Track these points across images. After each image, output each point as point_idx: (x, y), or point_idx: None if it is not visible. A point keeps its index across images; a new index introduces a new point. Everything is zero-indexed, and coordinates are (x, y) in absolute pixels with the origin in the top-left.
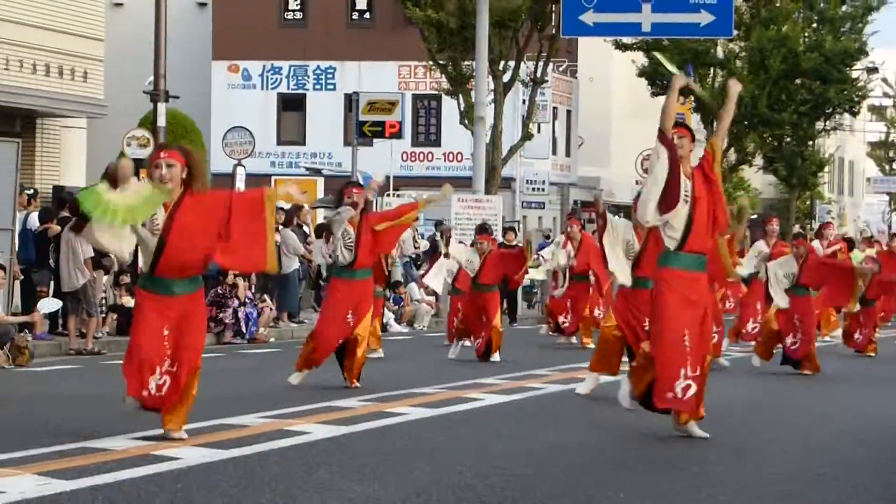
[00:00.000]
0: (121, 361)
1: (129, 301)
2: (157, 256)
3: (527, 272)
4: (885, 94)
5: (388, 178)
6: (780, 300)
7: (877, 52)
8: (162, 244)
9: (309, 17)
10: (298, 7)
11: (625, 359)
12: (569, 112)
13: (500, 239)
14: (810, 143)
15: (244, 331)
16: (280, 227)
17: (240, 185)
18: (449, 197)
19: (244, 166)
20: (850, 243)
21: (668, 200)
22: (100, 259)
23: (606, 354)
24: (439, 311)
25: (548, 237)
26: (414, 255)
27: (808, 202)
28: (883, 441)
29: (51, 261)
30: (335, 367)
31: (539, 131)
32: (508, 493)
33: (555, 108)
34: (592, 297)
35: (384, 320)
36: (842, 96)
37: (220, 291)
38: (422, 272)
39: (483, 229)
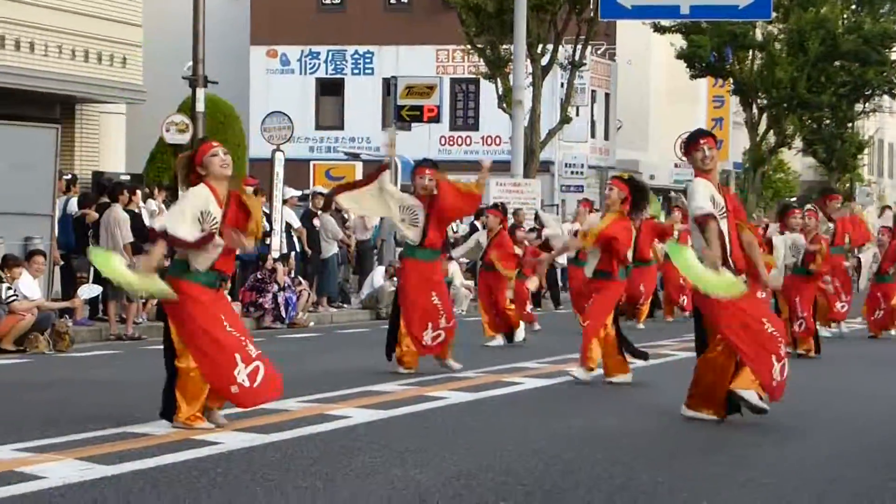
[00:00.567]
0: (160, 347)
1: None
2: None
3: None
4: None
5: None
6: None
7: None
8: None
9: (347, 1)
10: None
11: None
12: (607, 95)
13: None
14: (849, 125)
15: (283, 315)
16: (319, 212)
17: (279, 170)
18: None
19: (283, 151)
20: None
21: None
22: (140, 244)
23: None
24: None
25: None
26: (452, 241)
27: (847, 184)
28: None
29: (90, 246)
30: (376, 351)
31: (577, 115)
32: (548, 476)
33: (593, 91)
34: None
35: None
36: (881, 78)
37: (259, 276)
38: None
39: (494, 206)
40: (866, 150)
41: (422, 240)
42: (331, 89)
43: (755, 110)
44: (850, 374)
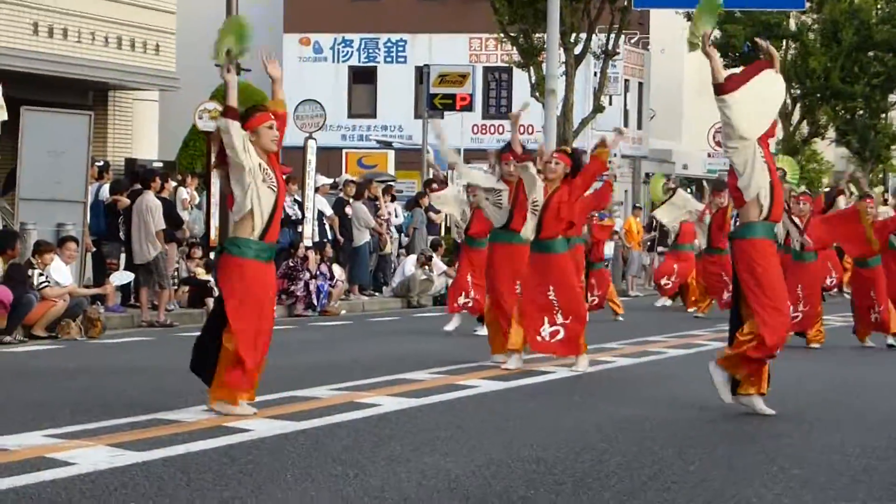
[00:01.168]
0: (192, 333)
1: (202, 273)
2: (272, 216)
3: None
4: None
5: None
6: None
7: None
8: (276, 204)
9: None
10: None
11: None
12: (640, 84)
13: None
14: (883, 115)
15: (315, 303)
16: (351, 199)
17: (311, 157)
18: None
19: (315, 139)
20: None
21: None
22: (172, 231)
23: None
24: None
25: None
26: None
27: (880, 175)
28: None
29: (120, 233)
30: (407, 339)
31: (610, 104)
32: (578, 465)
33: (626, 80)
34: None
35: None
36: None
37: (291, 264)
38: None
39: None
40: None
41: (507, 222)
42: (364, 77)
43: (788, 100)
44: (881, 364)
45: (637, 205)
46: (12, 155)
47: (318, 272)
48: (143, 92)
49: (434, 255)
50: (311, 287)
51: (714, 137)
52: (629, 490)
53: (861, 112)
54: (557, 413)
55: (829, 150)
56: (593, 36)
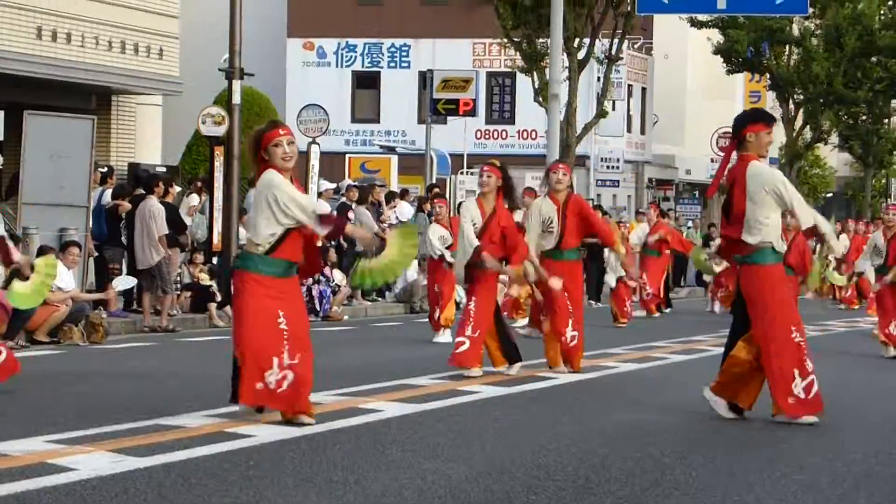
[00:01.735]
0: (194, 339)
1: (204, 278)
2: (286, 232)
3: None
4: None
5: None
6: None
7: None
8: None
9: None
10: None
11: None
12: (644, 89)
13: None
14: (886, 121)
15: (318, 308)
16: (354, 204)
17: (314, 162)
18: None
19: (319, 144)
20: None
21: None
22: (175, 237)
23: None
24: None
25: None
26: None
27: (883, 180)
28: None
29: (122, 237)
30: (410, 345)
31: (614, 109)
32: (582, 471)
33: (630, 85)
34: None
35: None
36: None
37: None
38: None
39: (438, 194)
40: None
41: (557, 243)
42: (367, 82)
43: (791, 106)
44: (883, 370)
45: (640, 210)
46: (15, 159)
47: (320, 277)
48: (147, 96)
49: None
50: (314, 292)
51: (717, 142)
52: (631, 496)
53: (864, 117)
54: (559, 418)
55: (832, 156)
56: (597, 41)
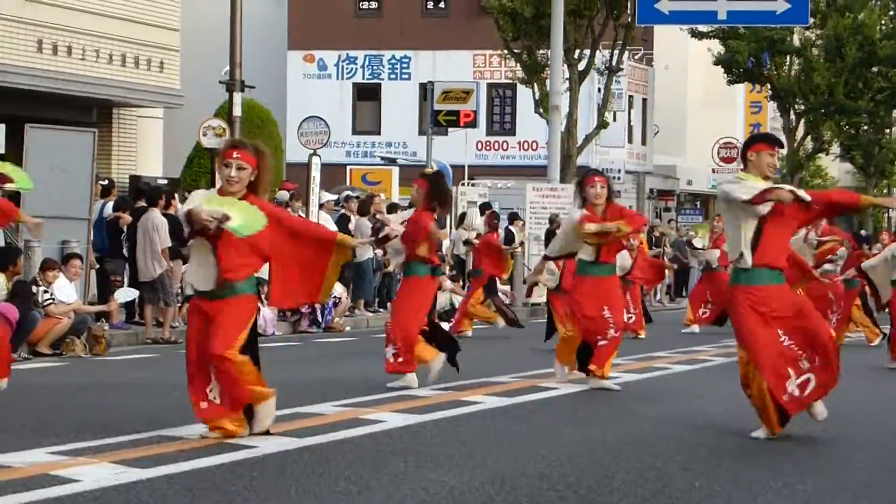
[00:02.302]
0: None
1: None
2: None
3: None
4: None
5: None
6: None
7: None
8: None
9: (384, 6)
10: None
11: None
12: (644, 100)
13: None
14: (887, 131)
15: (320, 319)
16: (354, 216)
17: (315, 174)
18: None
19: (319, 156)
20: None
21: None
22: (177, 249)
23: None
24: (515, 301)
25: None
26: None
27: (884, 191)
28: None
29: (124, 250)
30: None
31: (614, 120)
32: (584, 481)
33: (630, 96)
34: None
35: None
36: None
37: None
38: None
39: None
40: None
41: (596, 256)
42: (368, 94)
43: (792, 116)
44: (887, 380)
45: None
46: None
47: None
48: (148, 109)
49: None
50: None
51: (718, 153)
52: None
53: (865, 127)
54: (561, 428)
55: (833, 166)
56: (597, 52)
